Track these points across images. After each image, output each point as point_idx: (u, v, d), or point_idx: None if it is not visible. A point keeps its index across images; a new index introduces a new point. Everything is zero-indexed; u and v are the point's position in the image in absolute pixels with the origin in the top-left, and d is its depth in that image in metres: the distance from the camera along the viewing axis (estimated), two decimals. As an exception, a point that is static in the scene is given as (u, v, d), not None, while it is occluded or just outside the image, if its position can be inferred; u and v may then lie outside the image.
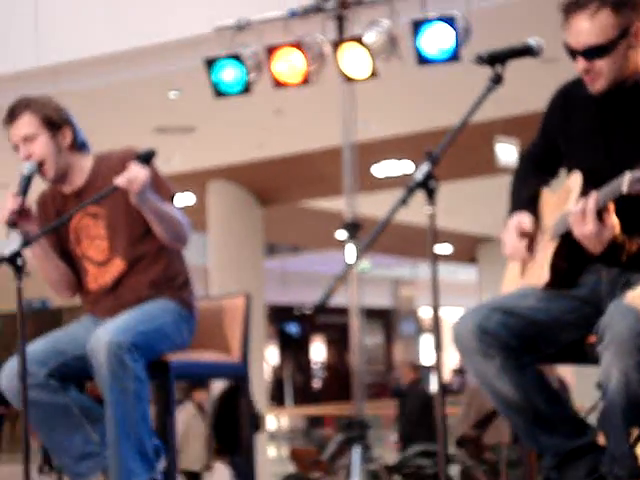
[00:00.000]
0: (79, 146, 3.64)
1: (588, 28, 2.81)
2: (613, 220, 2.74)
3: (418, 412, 9.72)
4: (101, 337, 3.35)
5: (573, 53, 2.87)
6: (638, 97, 2.90)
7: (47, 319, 15.13)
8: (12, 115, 3.58)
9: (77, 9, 6.85)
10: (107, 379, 3.32)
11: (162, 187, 3.57)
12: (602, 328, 2.68)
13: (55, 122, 3.58)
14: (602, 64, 2.84)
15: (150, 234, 3.59)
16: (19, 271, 3.17)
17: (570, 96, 3.07)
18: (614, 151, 2.90)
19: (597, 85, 2.88)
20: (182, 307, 3.64)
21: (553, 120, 3.11)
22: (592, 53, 2.83)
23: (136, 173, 3.35)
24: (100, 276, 3.64)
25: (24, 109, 3.57)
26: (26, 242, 3.29)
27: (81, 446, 3.52)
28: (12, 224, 3.45)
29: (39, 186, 3.70)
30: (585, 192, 2.83)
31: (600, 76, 2.86)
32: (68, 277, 3.69)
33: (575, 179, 2.94)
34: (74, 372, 3.55)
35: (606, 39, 2.82)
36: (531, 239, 3.06)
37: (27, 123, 3.56)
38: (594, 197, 2.74)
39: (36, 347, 3.53)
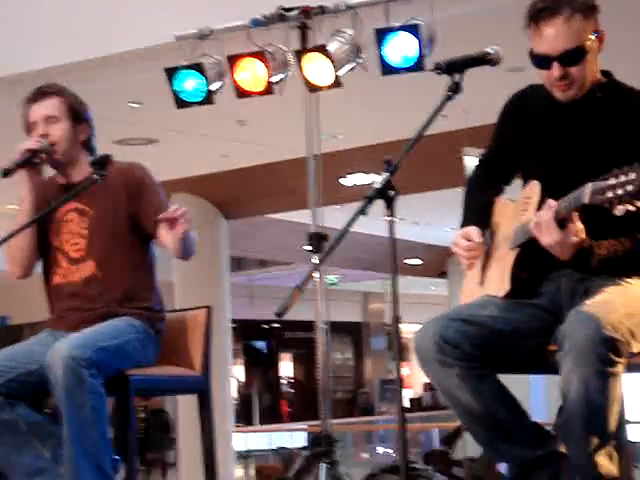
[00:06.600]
0: (89, 147, 3.75)
1: (565, 33, 2.79)
2: (577, 226, 2.73)
3: None
4: (59, 350, 3.29)
5: (544, 60, 2.84)
6: (593, 105, 2.90)
7: (7, 336, 14.97)
8: (41, 94, 3.67)
9: (33, 19, 6.76)
10: (63, 394, 3.27)
11: (159, 195, 3.67)
12: (561, 336, 2.67)
13: (79, 115, 3.69)
14: (577, 70, 2.83)
15: (129, 248, 3.63)
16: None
17: (524, 104, 3.06)
18: (571, 160, 2.89)
19: (571, 92, 2.88)
20: (149, 327, 3.61)
21: (506, 128, 3.12)
22: (569, 58, 2.81)
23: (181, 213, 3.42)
24: (70, 273, 3.64)
25: (55, 92, 3.68)
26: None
27: (31, 463, 3.43)
28: (25, 162, 3.57)
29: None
30: (544, 201, 2.81)
31: (575, 83, 2.86)
32: (29, 262, 3.70)
33: (533, 188, 2.94)
34: (25, 388, 3.47)
35: (581, 44, 2.81)
36: (480, 246, 3.07)
37: (54, 105, 3.65)
38: (549, 207, 2.74)
39: None
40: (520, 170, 3.10)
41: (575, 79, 2.85)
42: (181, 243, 3.51)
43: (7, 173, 3.57)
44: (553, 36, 2.80)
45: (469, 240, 3.08)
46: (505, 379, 2.92)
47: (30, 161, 3.60)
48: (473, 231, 3.08)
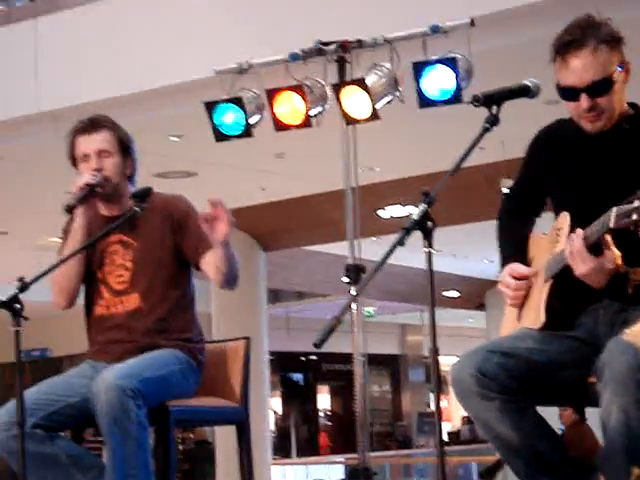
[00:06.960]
0: (133, 180, 3.79)
1: (592, 65, 2.82)
2: (613, 252, 2.73)
3: None
4: (105, 379, 3.31)
5: (572, 92, 2.85)
6: (621, 136, 2.91)
7: (47, 368, 15.04)
8: (94, 126, 3.71)
9: (77, 55, 6.88)
10: (108, 423, 3.27)
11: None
12: (601, 366, 2.65)
13: (127, 149, 3.74)
14: (605, 100, 2.85)
15: (171, 280, 3.66)
16: (16, 315, 3.13)
17: (552, 138, 3.08)
18: (600, 191, 2.89)
19: (599, 123, 2.89)
20: (191, 358, 3.64)
21: (536, 162, 3.13)
22: (596, 89, 2.83)
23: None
24: (113, 305, 3.67)
25: (108, 125, 3.73)
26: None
27: None
28: (81, 199, 3.58)
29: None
30: (574, 231, 2.81)
31: (603, 113, 2.88)
32: (74, 291, 3.71)
33: (563, 219, 2.95)
34: (66, 420, 3.50)
35: (608, 74, 2.83)
36: (529, 283, 3.06)
37: (106, 139, 3.69)
38: (578, 236, 2.75)
39: (26, 396, 3.41)
40: (551, 203, 3.10)
41: (604, 110, 2.86)
42: (225, 254, 3.52)
43: (71, 209, 3.60)
44: (580, 68, 2.82)
45: (517, 278, 3.06)
46: (544, 412, 2.90)
47: (88, 195, 3.63)
48: (521, 267, 3.07)
